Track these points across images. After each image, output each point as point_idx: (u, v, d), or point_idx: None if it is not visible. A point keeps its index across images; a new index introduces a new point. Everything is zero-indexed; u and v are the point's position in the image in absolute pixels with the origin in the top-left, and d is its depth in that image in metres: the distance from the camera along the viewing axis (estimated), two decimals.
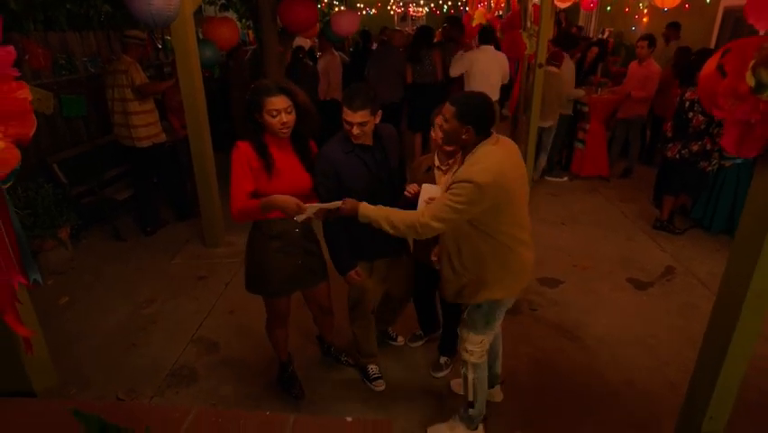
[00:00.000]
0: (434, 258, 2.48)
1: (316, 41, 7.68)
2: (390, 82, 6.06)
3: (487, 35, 5.75)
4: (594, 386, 2.80)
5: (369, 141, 2.33)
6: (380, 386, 2.77)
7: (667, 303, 3.55)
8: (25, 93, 1.84)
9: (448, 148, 2.36)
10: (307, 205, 2.09)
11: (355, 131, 2.21)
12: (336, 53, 6.60)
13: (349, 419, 1.97)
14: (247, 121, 2.17)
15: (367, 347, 2.77)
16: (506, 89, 7.07)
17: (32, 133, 1.86)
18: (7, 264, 1.93)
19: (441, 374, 2.86)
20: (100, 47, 5.31)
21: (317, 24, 5.65)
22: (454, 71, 5.61)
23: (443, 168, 2.47)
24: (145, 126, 4.34)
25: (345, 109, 2.19)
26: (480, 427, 2.43)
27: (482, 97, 2.02)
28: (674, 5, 6.14)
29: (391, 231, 2.02)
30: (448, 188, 1.97)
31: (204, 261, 4.20)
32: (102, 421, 1.75)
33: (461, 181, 1.90)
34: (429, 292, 2.91)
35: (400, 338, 3.16)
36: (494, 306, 2.18)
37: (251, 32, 9.28)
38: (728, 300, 1.77)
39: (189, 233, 4.72)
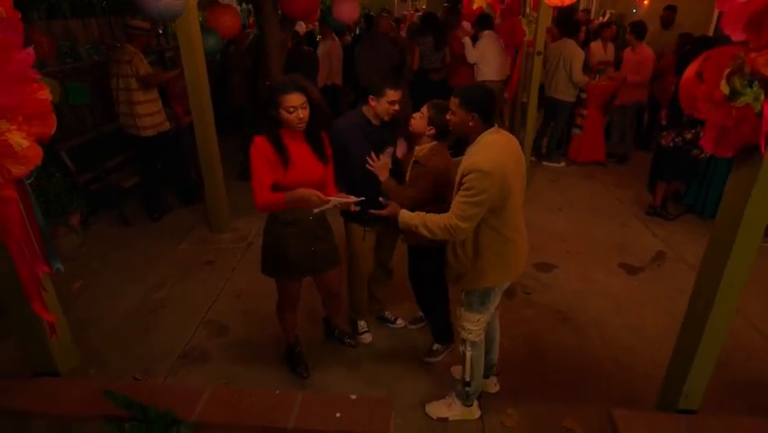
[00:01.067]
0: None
1: (317, 24, 7.68)
2: (382, 70, 6.10)
3: (486, 21, 5.86)
4: (583, 365, 2.97)
5: (377, 121, 2.67)
6: (368, 339, 3.14)
7: (656, 287, 3.70)
8: (45, 94, 1.95)
9: (425, 131, 2.60)
10: (328, 198, 2.27)
11: (396, 107, 2.59)
12: (337, 39, 6.62)
13: (353, 396, 2.14)
14: (263, 117, 2.30)
15: (359, 305, 3.12)
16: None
17: (52, 132, 1.98)
18: (33, 255, 2.07)
19: (432, 360, 2.99)
20: (102, 33, 5.35)
21: (318, 11, 5.67)
22: (471, 59, 5.84)
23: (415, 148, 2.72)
24: (150, 116, 4.43)
25: (390, 90, 2.56)
26: (475, 403, 2.60)
27: (483, 87, 2.21)
28: None
29: (429, 235, 2.15)
30: (458, 187, 2.10)
31: (210, 246, 4.34)
32: (128, 399, 1.91)
33: (468, 174, 2.03)
34: (425, 275, 3.04)
35: (399, 321, 3.31)
36: (487, 290, 2.32)
37: (250, 15, 9.24)
38: (705, 288, 1.90)
39: (194, 218, 4.84)
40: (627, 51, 5.86)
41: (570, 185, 5.70)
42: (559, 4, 3.80)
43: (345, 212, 2.67)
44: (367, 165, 2.55)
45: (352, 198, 2.31)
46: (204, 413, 2.05)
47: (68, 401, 2.14)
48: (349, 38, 7.68)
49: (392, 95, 2.60)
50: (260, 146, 2.27)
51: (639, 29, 5.65)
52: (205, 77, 4.00)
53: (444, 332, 2.99)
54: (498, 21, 6.25)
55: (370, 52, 6.13)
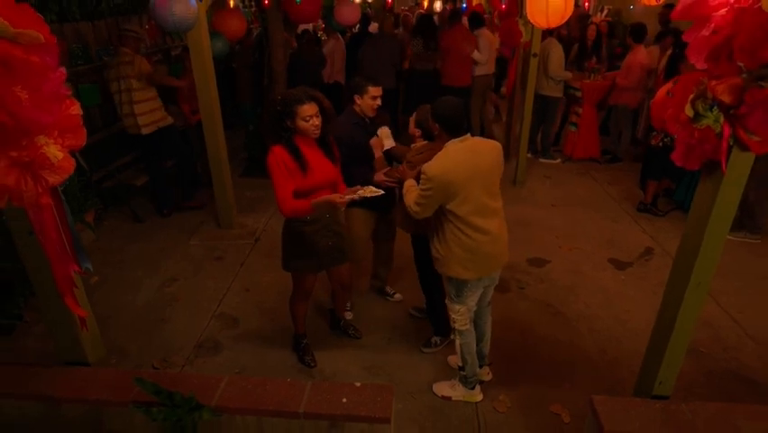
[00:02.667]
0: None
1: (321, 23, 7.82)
2: (384, 69, 6.27)
3: (478, 19, 6.16)
4: (572, 355, 3.18)
5: (372, 113, 3.02)
6: (399, 297, 3.64)
7: (643, 282, 3.91)
8: (77, 109, 2.15)
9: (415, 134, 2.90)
10: (347, 197, 2.48)
11: (378, 102, 2.93)
12: (340, 38, 6.78)
13: (357, 384, 2.36)
14: (277, 127, 2.49)
15: (358, 283, 3.54)
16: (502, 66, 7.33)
17: (83, 144, 2.18)
18: (65, 256, 2.28)
19: (428, 351, 3.20)
20: (111, 35, 5.51)
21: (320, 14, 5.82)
22: (479, 61, 6.27)
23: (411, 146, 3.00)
24: (149, 112, 4.57)
25: (371, 87, 2.88)
26: (478, 387, 2.82)
27: (451, 102, 2.44)
28: None
29: (405, 202, 2.51)
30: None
31: (219, 242, 4.53)
32: (156, 386, 2.12)
33: (423, 173, 2.36)
34: (426, 261, 3.21)
35: (397, 295, 3.64)
36: (459, 283, 2.54)
37: (254, 13, 9.35)
38: (676, 287, 2.11)
39: (203, 215, 5.04)
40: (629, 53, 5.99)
41: (564, 181, 5.89)
42: (545, 25, 3.96)
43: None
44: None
45: (374, 190, 2.53)
46: (222, 399, 2.26)
47: (99, 388, 2.36)
48: (348, 35, 7.84)
49: (373, 90, 2.90)
50: (279, 156, 2.47)
51: (637, 31, 5.70)
52: (214, 80, 4.17)
53: (444, 325, 3.17)
54: (496, 21, 6.42)
55: (375, 51, 6.30)
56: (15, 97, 1.87)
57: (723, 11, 1.59)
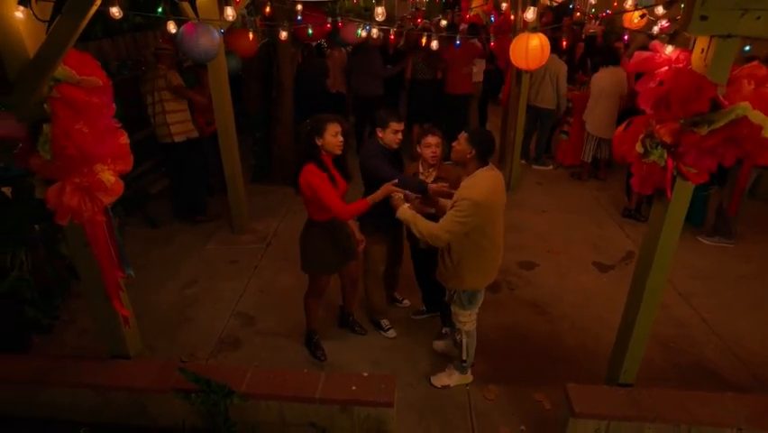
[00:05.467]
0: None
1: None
2: (369, 78, 6.66)
3: (474, 30, 6.51)
4: (554, 350, 3.55)
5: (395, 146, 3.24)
6: (392, 335, 3.64)
7: (622, 284, 4.22)
8: (125, 139, 2.52)
9: (433, 160, 3.20)
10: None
11: (400, 136, 3.16)
12: (343, 50, 7.14)
13: (365, 374, 2.73)
14: (309, 145, 2.85)
15: (379, 305, 3.68)
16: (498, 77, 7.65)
17: (130, 169, 2.55)
18: (113, 264, 2.65)
19: (441, 341, 3.57)
20: (129, 50, 5.86)
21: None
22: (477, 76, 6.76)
23: (425, 174, 3.31)
24: (181, 123, 4.95)
25: (395, 123, 3.11)
26: (469, 371, 3.22)
27: (488, 133, 2.77)
28: None
29: (417, 234, 2.74)
30: (452, 206, 2.66)
31: (233, 246, 4.90)
32: (196, 375, 2.49)
33: (463, 200, 2.60)
34: (428, 274, 3.60)
35: (406, 301, 3.95)
36: (473, 292, 2.91)
37: (257, 19, 9.66)
38: (635, 291, 2.48)
39: (217, 220, 5.39)
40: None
41: (555, 187, 6.25)
42: (525, 67, 4.32)
43: (363, 223, 3.27)
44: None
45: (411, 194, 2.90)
46: (249, 386, 2.64)
47: (142, 378, 2.74)
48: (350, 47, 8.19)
49: (395, 126, 3.14)
50: (316, 171, 2.84)
51: (611, 55, 5.79)
52: (230, 98, 4.52)
53: (449, 317, 3.56)
54: (491, 37, 6.77)
55: (361, 61, 6.66)
56: (80, 133, 2.25)
57: (665, 68, 1.96)
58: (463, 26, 7.88)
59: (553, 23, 7.14)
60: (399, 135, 3.17)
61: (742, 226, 4.96)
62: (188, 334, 3.74)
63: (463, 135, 2.69)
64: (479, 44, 6.74)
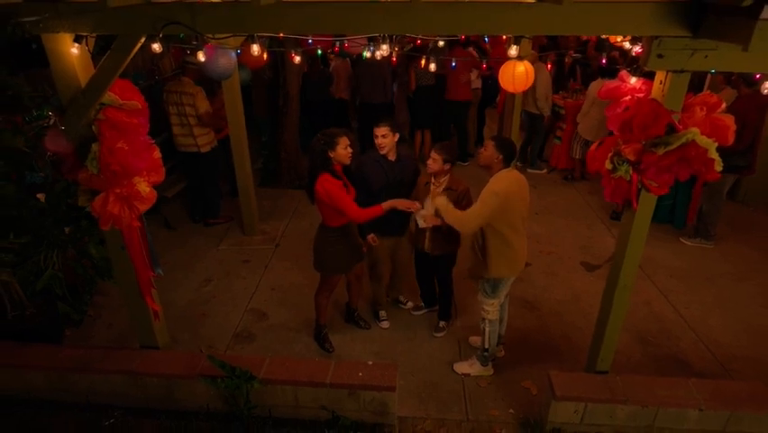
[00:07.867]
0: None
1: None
2: (378, 87, 6.93)
3: (468, 40, 6.84)
4: (542, 342, 3.88)
5: (392, 156, 3.51)
6: (386, 325, 4.03)
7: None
8: (158, 153, 2.85)
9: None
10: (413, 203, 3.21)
11: (379, 141, 3.42)
12: (347, 60, 7.46)
13: (370, 362, 3.06)
14: (322, 157, 3.16)
15: (380, 298, 4.06)
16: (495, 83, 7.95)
17: (162, 180, 2.87)
18: (146, 264, 2.98)
19: (439, 335, 3.92)
20: (145, 60, 6.18)
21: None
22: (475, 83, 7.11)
23: (435, 184, 3.57)
24: (206, 134, 5.22)
25: (375, 128, 3.42)
26: (489, 364, 3.52)
27: (512, 141, 3.21)
28: None
29: (449, 220, 3.08)
30: (480, 199, 3.01)
31: (245, 247, 5.22)
32: (222, 362, 2.82)
33: (487, 192, 2.97)
34: (429, 274, 3.95)
35: (409, 303, 4.28)
36: (497, 282, 3.21)
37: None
38: (610, 288, 2.81)
39: (228, 223, 5.71)
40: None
41: (548, 191, 6.57)
42: (512, 90, 4.67)
43: (367, 226, 3.54)
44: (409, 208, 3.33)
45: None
46: (267, 373, 2.97)
47: (170, 365, 3.06)
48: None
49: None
50: (331, 180, 3.15)
51: (603, 68, 6.15)
52: (242, 110, 4.83)
53: (447, 313, 3.96)
54: (488, 46, 7.10)
55: (369, 69, 6.96)
56: (122, 151, 2.58)
57: (629, 96, 2.29)
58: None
59: (547, 46, 7.46)
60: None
61: (722, 228, 5.29)
62: (207, 328, 4.06)
63: (491, 143, 3.06)
64: (474, 53, 7.07)
